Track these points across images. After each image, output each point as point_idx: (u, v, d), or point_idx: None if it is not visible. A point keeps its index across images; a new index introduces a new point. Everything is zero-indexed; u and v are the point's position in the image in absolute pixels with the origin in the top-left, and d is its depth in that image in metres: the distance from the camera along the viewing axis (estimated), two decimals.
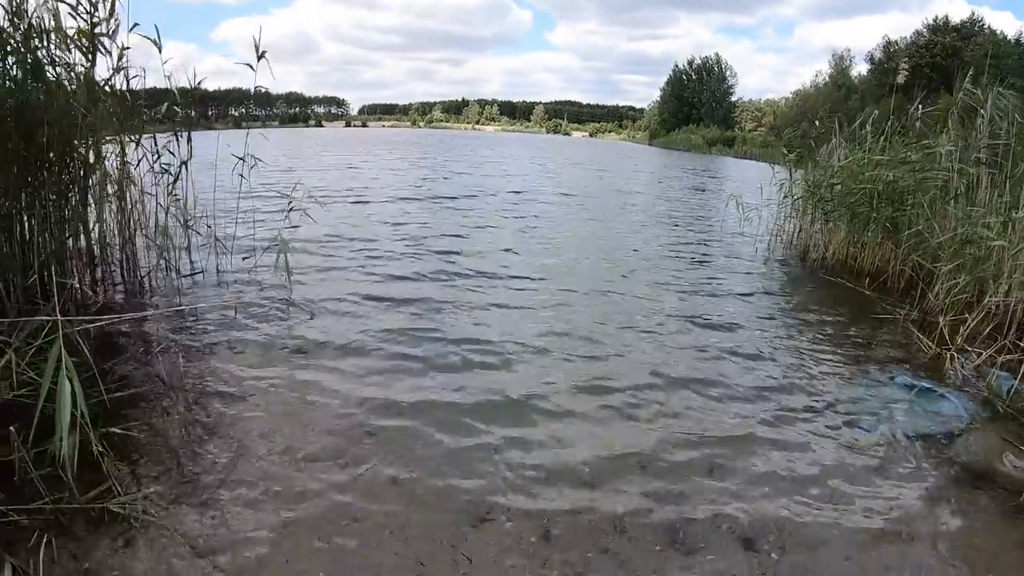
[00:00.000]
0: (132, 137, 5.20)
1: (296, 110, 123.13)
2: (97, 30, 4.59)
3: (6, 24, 4.09)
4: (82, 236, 4.97)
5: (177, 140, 5.50)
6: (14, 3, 4.10)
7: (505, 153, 35.80)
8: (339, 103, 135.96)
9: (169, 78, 5.25)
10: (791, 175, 8.74)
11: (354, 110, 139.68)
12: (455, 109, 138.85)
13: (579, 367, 4.27)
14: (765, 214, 9.73)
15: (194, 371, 3.80)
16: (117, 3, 4.67)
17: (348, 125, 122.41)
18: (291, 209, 6.37)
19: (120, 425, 2.98)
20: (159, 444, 2.97)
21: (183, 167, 5.51)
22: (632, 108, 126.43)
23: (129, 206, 5.27)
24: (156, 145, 5.44)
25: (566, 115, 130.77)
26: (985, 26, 52.31)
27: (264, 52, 5.42)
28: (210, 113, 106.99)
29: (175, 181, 5.49)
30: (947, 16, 53.98)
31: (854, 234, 7.52)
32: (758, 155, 55.31)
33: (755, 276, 7.25)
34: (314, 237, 6.94)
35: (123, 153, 5.10)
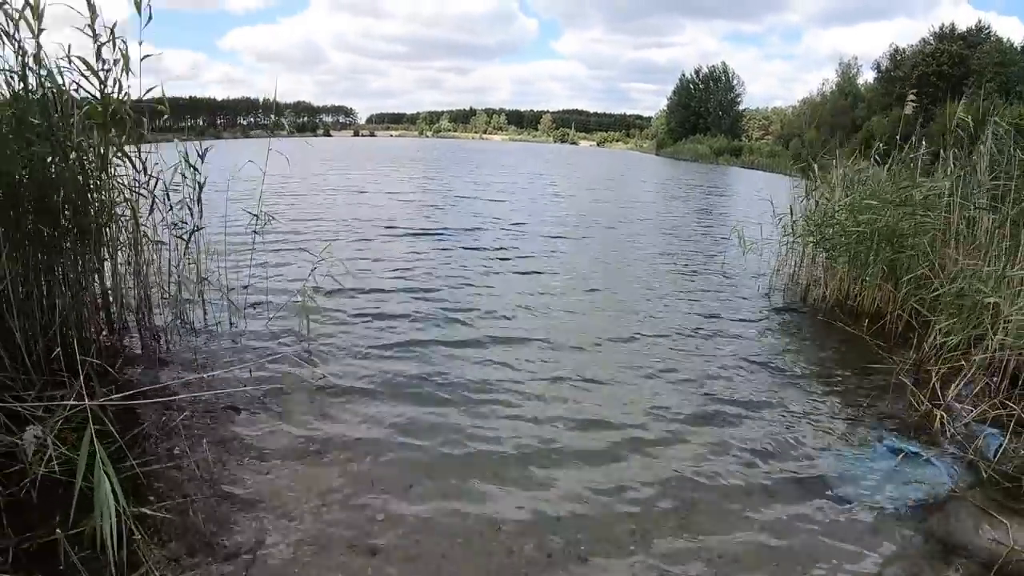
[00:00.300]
0: (145, 192, 5.35)
1: (304, 119, 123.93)
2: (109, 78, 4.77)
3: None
4: (98, 296, 5.16)
5: (195, 201, 5.66)
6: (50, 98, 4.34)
7: (513, 171, 35.77)
8: (347, 112, 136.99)
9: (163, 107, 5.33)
10: (792, 212, 8.84)
11: (362, 119, 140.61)
12: (463, 118, 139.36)
13: (571, 413, 4.53)
14: (770, 245, 9.77)
15: (215, 439, 3.97)
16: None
17: (356, 134, 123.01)
18: (314, 271, 6.47)
19: (151, 506, 3.14)
20: (187, 524, 3.12)
21: (195, 231, 5.68)
22: (639, 117, 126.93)
23: (143, 263, 5.42)
24: (168, 199, 5.59)
25: (573, 124, 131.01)
26: (992, 34, 52.37)
27: None
28: (219, 122, 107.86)
29: (188, 241, 5.64)
30: (953, 24, 54.07)
31: (854, 272, 7.61)
32: (765, 165, 55.50)
33: (752, 319, 7.37)
34: (323, 286, 7.13)
35: (135, 215, 5.25)
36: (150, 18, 4.83)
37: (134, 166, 5.17)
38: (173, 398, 4.38)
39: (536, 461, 3.93)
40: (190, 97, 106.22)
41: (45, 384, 3.99)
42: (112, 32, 4.63)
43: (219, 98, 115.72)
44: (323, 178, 23.12)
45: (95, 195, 4.80)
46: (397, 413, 4.47)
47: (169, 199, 5.58)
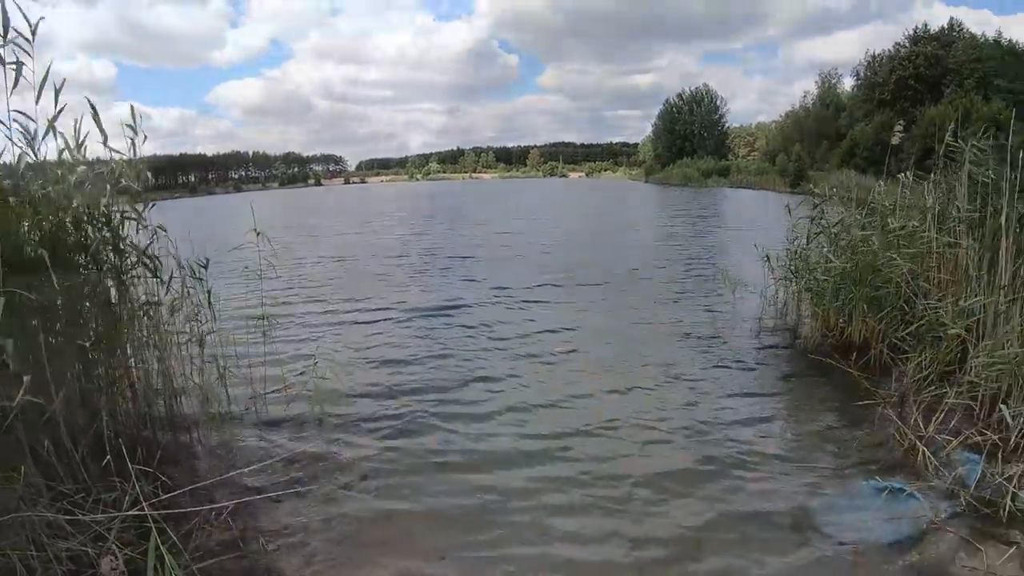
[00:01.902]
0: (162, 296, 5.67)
1: (295, 169, 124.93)
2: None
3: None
4: (129, 394, 5.42)
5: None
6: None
7: (506, 216, 35.71)
8: (336, 160, 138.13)
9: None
10: (771, 261, 9.24)
11: (352, 166, 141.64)
12: (451, 159, 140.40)
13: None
14: (758, 282, 10.04)
15: (261, 530, 4.31)
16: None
17: (347, 182, 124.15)
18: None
19: None
20: None
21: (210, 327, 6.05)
22: (625, 144, 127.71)
23: (167, 356, 5.70)
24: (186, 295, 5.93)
25: (561, 157, 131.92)
26: (964, 31, 52.95)
27: None
28: (210, 177, 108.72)
29: (203, 343, 5.99)
30: (926, 24, 54.70)
31: (839, 306, 7.85)
32: (753, 183, 56.07)
33: (741, 362, 7.68)
34: (334, 359, 7.37)
35: (157, 316, 5.59)
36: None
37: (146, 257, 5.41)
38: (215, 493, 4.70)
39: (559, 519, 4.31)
40: (180, 154, 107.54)
41: (97, 489, 4.30)
42: None
43: (209, 153, 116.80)
44: (316, 248, 22.77)
45: (121, 299, 5.18)
46: (420, 485, 4.87)
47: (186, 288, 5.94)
